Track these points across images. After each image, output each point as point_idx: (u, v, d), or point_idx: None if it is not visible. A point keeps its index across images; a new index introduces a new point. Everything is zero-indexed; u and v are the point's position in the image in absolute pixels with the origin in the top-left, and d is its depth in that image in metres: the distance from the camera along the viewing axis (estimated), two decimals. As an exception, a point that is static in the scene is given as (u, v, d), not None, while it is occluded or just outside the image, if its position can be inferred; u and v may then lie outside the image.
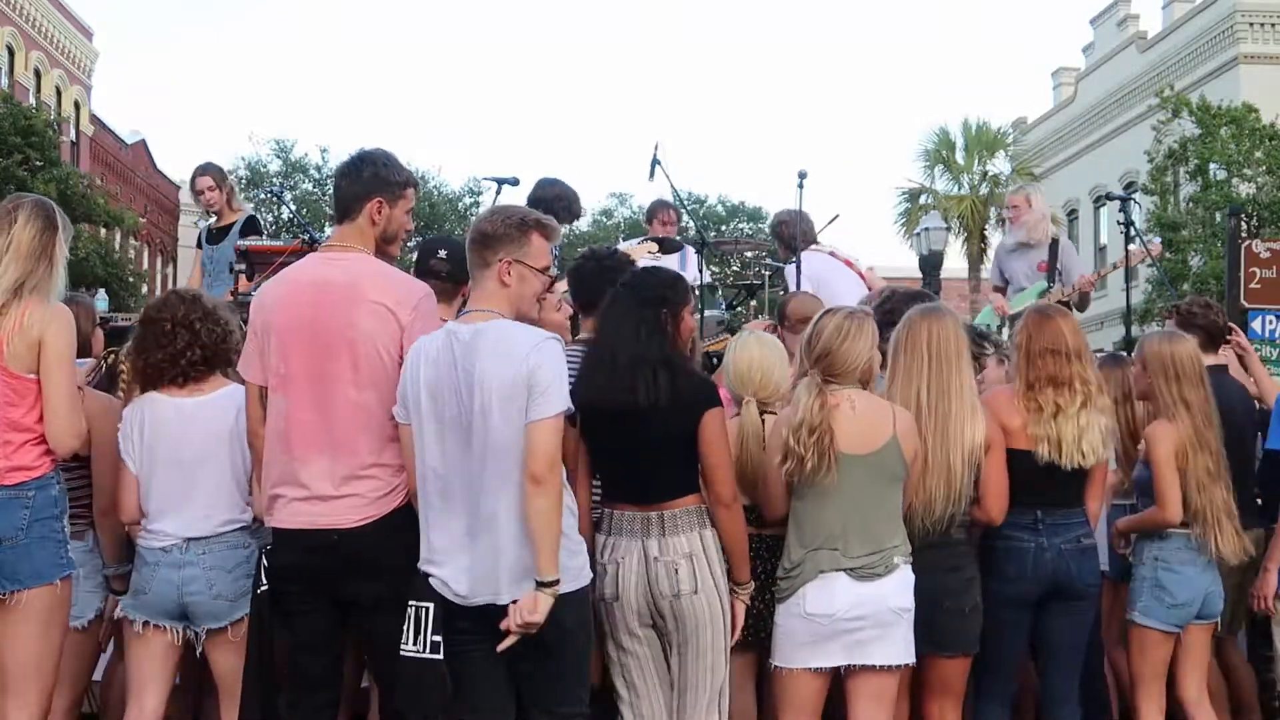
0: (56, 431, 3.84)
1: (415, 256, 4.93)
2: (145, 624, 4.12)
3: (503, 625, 3.47)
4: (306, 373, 3.81)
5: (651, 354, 3.91)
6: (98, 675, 4.73)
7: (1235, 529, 4.56)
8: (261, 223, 7.99)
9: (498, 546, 3.51)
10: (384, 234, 3.99)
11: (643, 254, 7.07)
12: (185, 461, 4.09)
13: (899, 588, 3.98)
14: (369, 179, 3.96)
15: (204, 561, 4.07)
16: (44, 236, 3.89)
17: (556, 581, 3.45)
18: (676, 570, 3.85)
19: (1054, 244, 7.83)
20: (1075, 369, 4.37)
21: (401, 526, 3.72)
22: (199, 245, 8.07)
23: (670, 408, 3.86)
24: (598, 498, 4.05)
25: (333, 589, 3.80)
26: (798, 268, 7.22)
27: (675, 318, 4.04)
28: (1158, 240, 8.37)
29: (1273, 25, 26.11)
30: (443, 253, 4.71)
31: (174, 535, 4.08)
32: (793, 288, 7.23)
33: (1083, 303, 7.77)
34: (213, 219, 7.93)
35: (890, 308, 4.82)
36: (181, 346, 4.17)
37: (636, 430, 3.87)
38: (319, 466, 3.77)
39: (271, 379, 3.88)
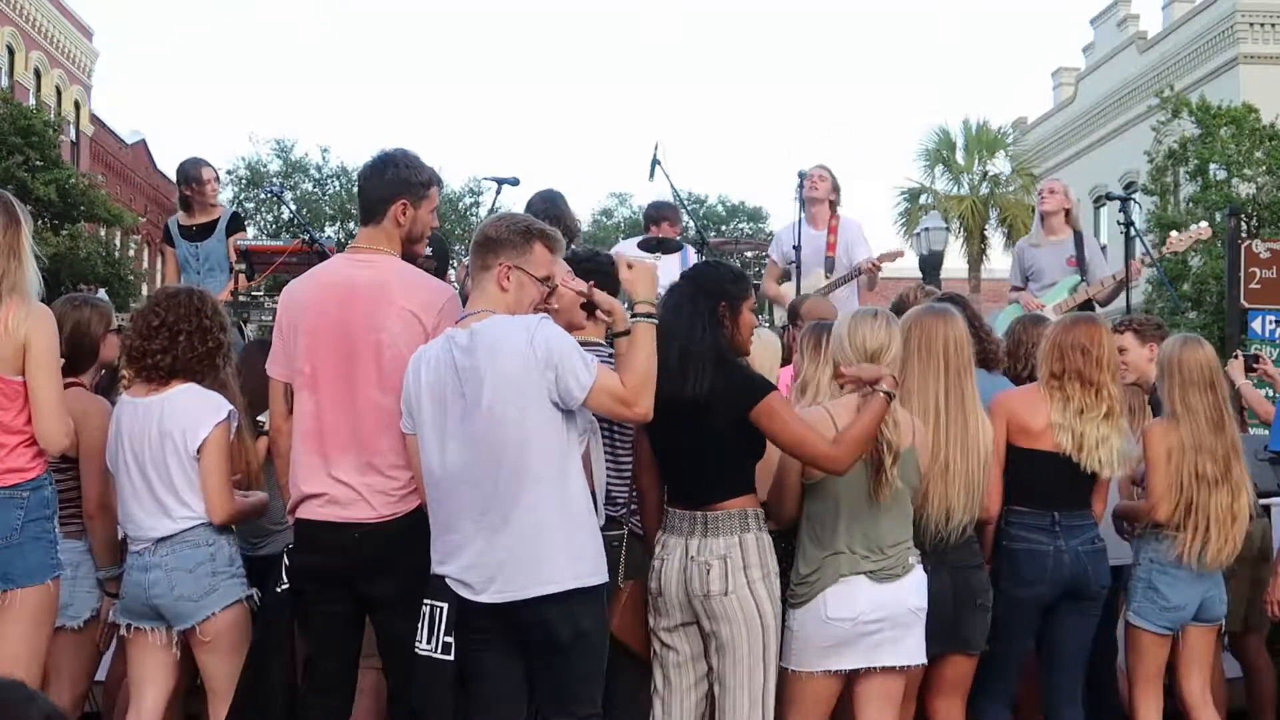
0: (46, 432, 3.82)
1: None
2: (129, 626, 4.11)
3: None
4: (333, 373, 3.83)
5: (702, 348, 3.90)
6: (100, 676, 4.72)
7: (1229, 536, 4.51)
8: (243, 219, 7.95)
9: (512, 544, 3.51)
10: (409, 234, 3.99)
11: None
12: (141, 461, 4.06)
13: (916, 588, 3.98)
14: (392, 181, 3.95)
15: (166, 563, 4.02)
16: (8, 232, 3.81)
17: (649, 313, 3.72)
18: (709, 570, 3.85)
19: (1079, 237, 7.68)
20: (1104, 378, 4.38)
21: (422, 525, 3.72)
22: (168, 241, 7.90)
23: (717, 404, 3.84)
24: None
25: (354, 586, 3.82)
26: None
27: (735, 312, 4.01)
28: (1204, 225, 8.23)
29: (1273, 25, 26.08)
30: (428, 250, 4.73)
31: (141, 538, 4.06)
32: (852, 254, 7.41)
33: (1109, 295, 7.52)
34: (180, 214, 7.85)
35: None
36: (155, 348, 4.12)
37: (686, 427, 3.86)
38: (344, 466, 3.80)
39: (297, 378, 3.90)
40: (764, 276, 7.84)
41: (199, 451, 4.06)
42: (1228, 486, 4.53)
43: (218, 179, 7.81)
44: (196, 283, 7.29)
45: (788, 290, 7.70)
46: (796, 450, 3.86)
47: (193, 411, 4.08)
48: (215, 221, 7.62)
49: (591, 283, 4.00)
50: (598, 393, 3.52)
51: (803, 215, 7.72)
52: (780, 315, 7.32)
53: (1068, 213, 7.74)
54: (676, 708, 3.96)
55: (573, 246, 5.22)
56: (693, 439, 3.89)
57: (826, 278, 7.54)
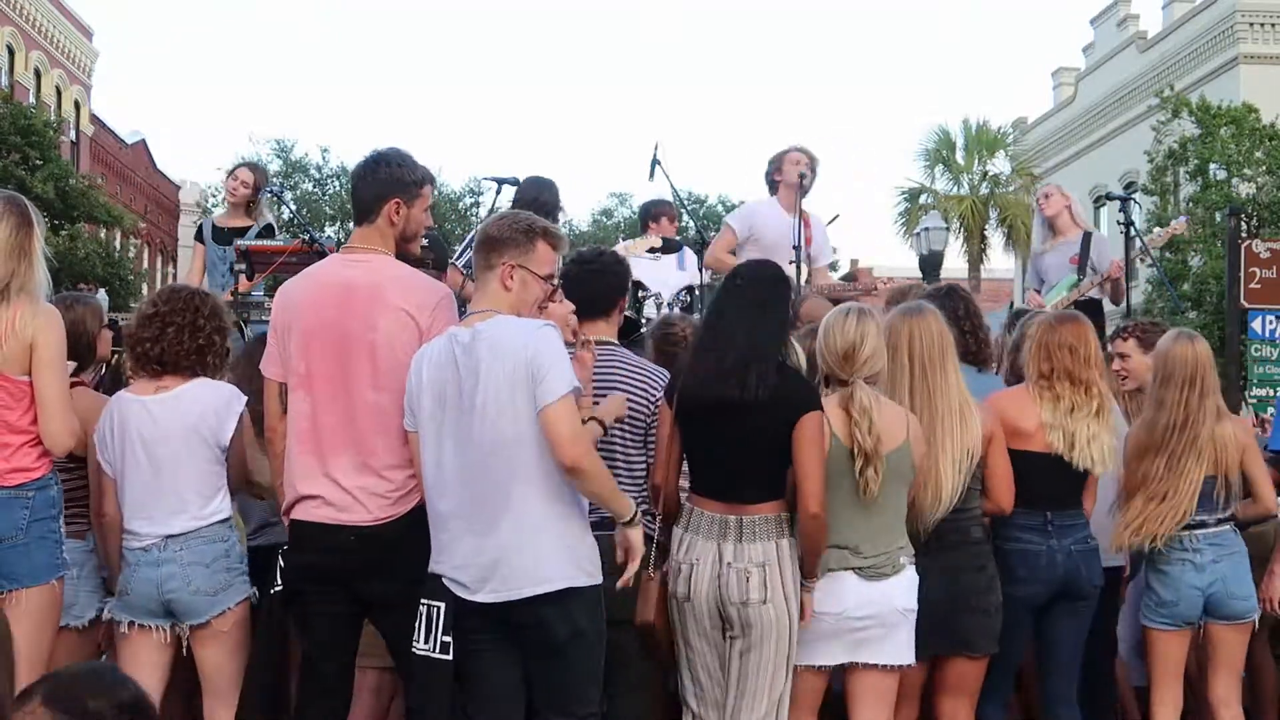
0: (52, 432, 3.84)
1: None
2: (131, 624, 4.08)
3: (624, 574, 3.62)
4: (328, 373, 3.84)
5: (768, 351, 3.89)
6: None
7: (1170, 531, 4.48)
8: (276, 231, 7.93)
9: (506, 544, 3.52)
10: (403, 233, 4.00)
11: (641, 250, 7.03)
12: (155, 459, 4.05)
13: (905, 588, 3.98)
14: (385, 180, 3.96)
15: (181, 558, 4.01)
16: (20, 234, 3.84)
17: (636, 515, 3.62)
18: (748, 578, 3.82)
19: (1086, 237, 7.62)
20: (1092, 375, 4.39)
21: (420, 525, 3.72)
22: (199, 239, 7.92)
23: (773, 407, 3.83)
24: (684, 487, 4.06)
25: (351, 587, 3.81)
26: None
27: (794, 316, 4.02)
28: (1183, 219, 8.13)
29: (1273, 25, 26.07)
30: (424, 242, 4.73)
31: (151, 534, 4.04)
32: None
33: (1116, 294, 7.49)
34: (218, 213, 7.87)
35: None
36: (145, 335, 4.13)
37: (735, 426, 3.85)
38: (339, 466, 3.80)
39: (292, 378, 3.90)
40: (714, 243, 7.44)
41: (231, 441, 4.09)
42: (1174, 484, 4.48)
43: (250, 185, 7.65)
44: (221, 285, 7.34)
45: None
46: (801, 479, 3.83)
47: (217, 405, 4.10)
48: (247, 230, 7.62)
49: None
50: (551, 415, 3.48)
51: (774, 196, 7.52)
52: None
53: (1070, 210, 7.72)
54: (713, 705, 3.94)
55: (574, 226, 5.22)
56: (743, 438, 3.86)
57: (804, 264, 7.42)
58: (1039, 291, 7.83)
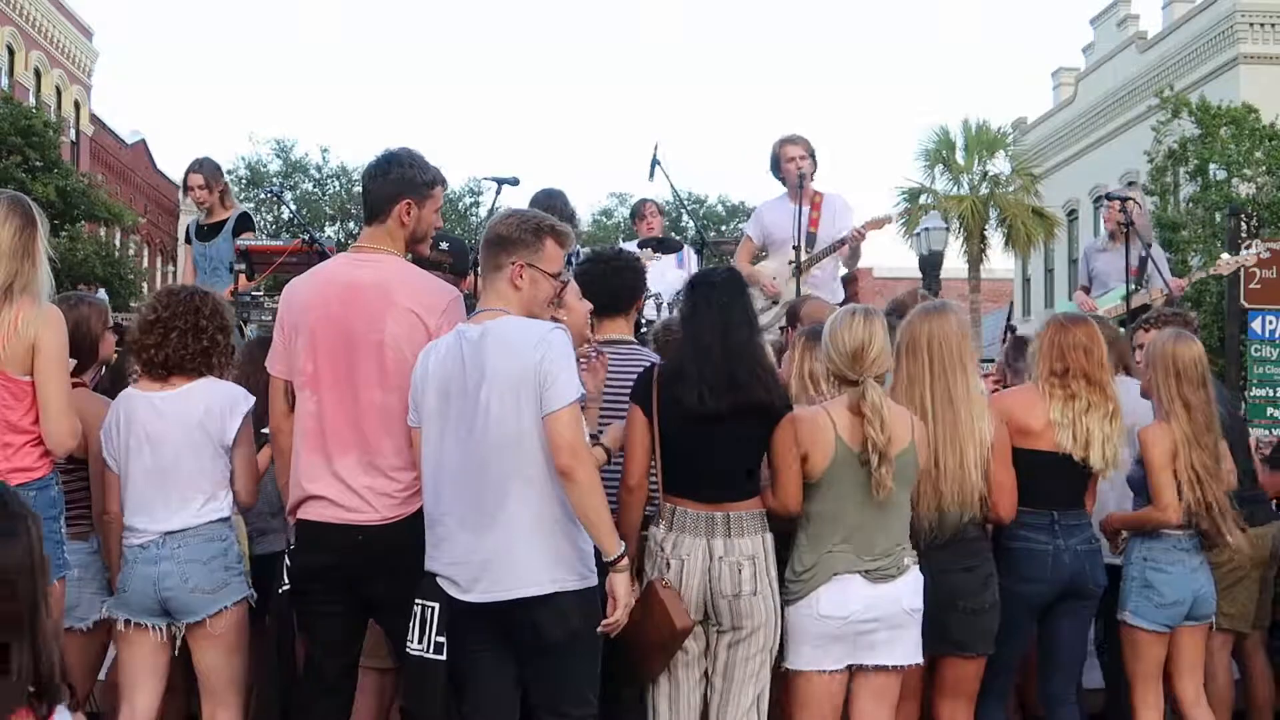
0: (53, 432, 3.85)
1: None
2: (128, 622, 4.06)
3: (607, 620, 3.55)
4: (335, 373, 3.84)
5: (758, 356, 3.93)
6: (101, 675, 4.72)
7: (1237, 526, 4.54)
8: (254, 219, 7.89)
9: (499, 544, 3.52)
10: (413, 234, 4.00)
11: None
12: (159, 455, 4.04)
13: (911, 589, 3.98)
14: (396, 180, 3.96)
15: (179, 555, 4.00)
16: (24, 234, 3.85)
17: (622, 556, 3.55)
18: (741, 570, 3.84)
19: (1147, 248, 7.72)
20: (1105, 377, 4.40)
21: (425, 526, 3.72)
22: (187, 240, 7.95)
23: (761, 411, 3.88)
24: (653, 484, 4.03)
25: (356, 587, 3.81)
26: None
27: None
28: (1250, 253, 8.26)
29: (1273, 25, 26.06)
30: (444, 245, 4.72)
31: (151, 531, 4.02)
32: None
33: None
34: (201, 214, 7.87)
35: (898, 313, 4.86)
36: (149, 342, 4.12)
37: (722, 429, 3.85)
38: (346, 466, 3.80)
39: (299, 377, 3.90)
40: (737, 254, 7.70)
41: (235, 441, 4.08)
42: (1222, 481, 4.54)
43: (208, 186, 7.60)
44: (203, 283, 7.30)
45: (763, 269, 7.66)
46: (780, 479, 3.93)
47: (223, 404, 4.10)
48: (224, 222, 7.60)
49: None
50: (558, 423, 3.48)
51: (785, 190, 7.61)
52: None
53: (1133, 224, 7.86)
54: (684, 705, 3.94)
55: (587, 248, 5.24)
56: (730, 441, 3.88)
57: (807, 252, 7.40)
58: (1087, 290, 8.09)
